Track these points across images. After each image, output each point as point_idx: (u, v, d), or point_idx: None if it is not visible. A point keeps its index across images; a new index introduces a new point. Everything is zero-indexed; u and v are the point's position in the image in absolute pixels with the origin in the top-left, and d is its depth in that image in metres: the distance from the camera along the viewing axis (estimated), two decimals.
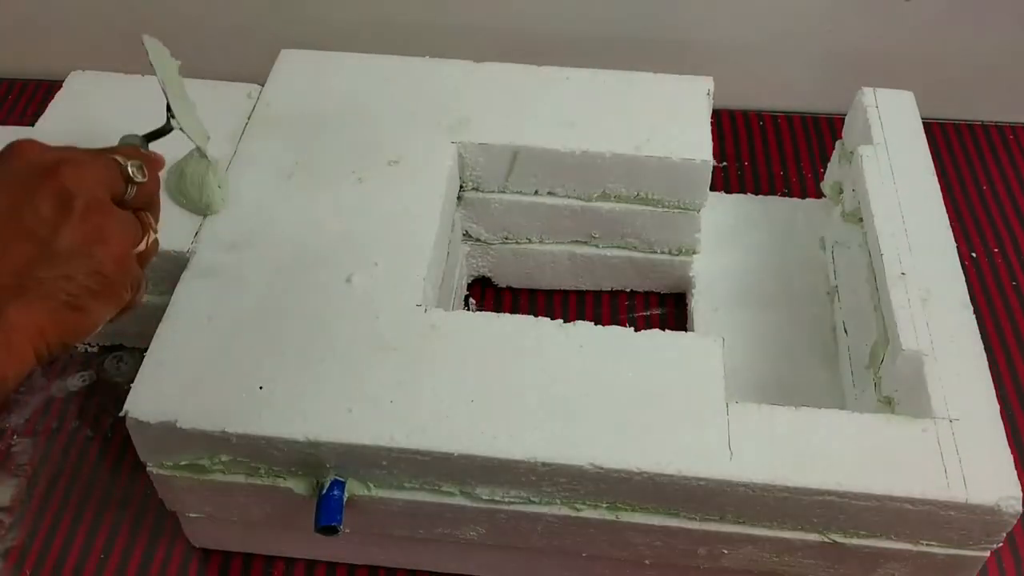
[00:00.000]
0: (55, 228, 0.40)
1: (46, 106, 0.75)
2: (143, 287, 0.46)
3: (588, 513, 0.58)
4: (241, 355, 0.59)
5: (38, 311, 0.39)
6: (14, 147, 0.43)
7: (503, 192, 0.75)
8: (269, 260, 0.64)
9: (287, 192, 0.69)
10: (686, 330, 0.73)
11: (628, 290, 0.83)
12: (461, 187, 0.74)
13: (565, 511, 0.58)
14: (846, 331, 0.72)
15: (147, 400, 0.57)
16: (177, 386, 0.57)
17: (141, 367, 0.58)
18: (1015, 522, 0.54)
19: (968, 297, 0.63)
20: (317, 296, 0.62)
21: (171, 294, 0.62)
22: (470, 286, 0.83)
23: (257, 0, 0.97)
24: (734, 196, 0.86)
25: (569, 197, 0.74)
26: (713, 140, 0.72)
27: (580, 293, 0.83)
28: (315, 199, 0.68)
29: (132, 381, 0.58)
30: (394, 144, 0.72)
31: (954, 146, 0.98)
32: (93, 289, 0.42)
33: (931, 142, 0.73)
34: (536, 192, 0.74)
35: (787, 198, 0.88)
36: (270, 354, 0.59)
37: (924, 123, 0.74)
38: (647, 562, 0.61)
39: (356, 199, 0.68)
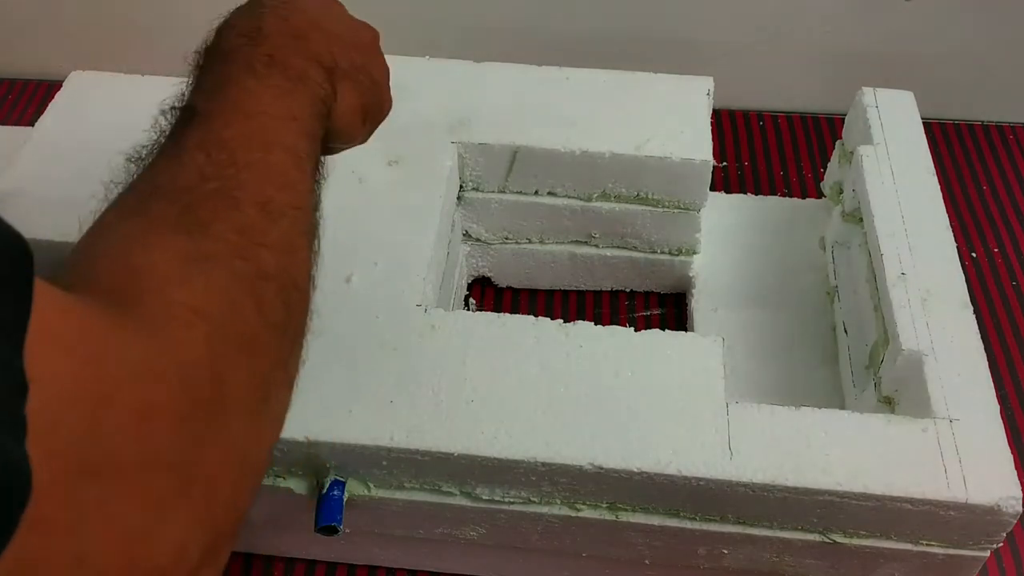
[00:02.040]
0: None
1: (46, 106, 0.75)
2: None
3: (588, 513, 0.58)
4: None
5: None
6: None
7: (503, 192, 0.75)
8: None
9: None
10: (686, 330, 0.73)
11: (628, 290, 0.83)
12: (461, 187, 0.74)
13: (565, 511, 0.58)
14: (846, 331, 0.72)
15: None
16: None
17: None
18: (1015, 522, 0.54)
19: (968, 297, 0.63)
20: (317, 296, 0.62)
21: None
22: (470, 286, 0.83)
23: None
24: (734, 196, 0.86)
25: (569, 197, 0.74)
26: (713, 140, 0.72)
27: (580, 293, 0.83)
28: None
29: None
30: (394, 144, 0.71)
31: (954, 146, 0.98)
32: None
33: (931, 142, 0.73)
34: (536, 192, 0.74)
35: (787, 198, 0.88)
36: None
37: (924, 123, 0.74)
38: (647, 562, 0.61)
39: (356, 199, 0.68)
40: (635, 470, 0.54)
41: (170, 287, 0.33)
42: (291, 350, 0.39)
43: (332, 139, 0.48)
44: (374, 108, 0.51)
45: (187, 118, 0.40)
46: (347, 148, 0.51)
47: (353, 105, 0.48)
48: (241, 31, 0.44)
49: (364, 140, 0.52)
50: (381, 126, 0.73)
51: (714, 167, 0.72)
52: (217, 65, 0.43)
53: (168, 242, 0.35)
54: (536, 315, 0.62)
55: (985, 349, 0.60)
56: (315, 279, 0.42)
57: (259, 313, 0.36)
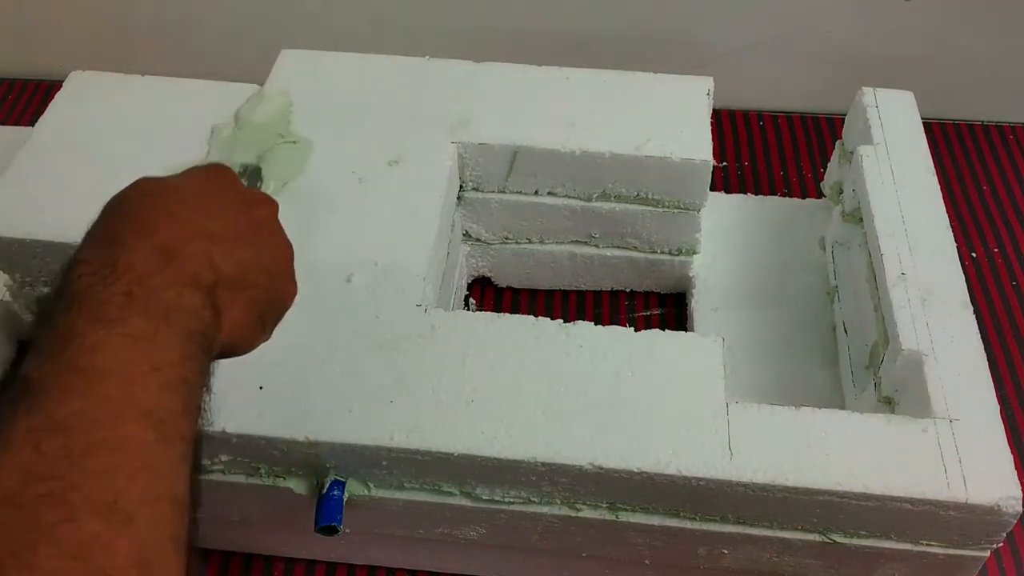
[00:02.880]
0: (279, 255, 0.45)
1: (46, 106, 0.75)
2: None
3: (588, 513, 0.58)
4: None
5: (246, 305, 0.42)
6: (220, 167, 0.46)
7: (503, 192, 0.75)
8: None
9: (287, 192, 0.68)
10: (686, 330, 0.73)
11: (628, 290, 0.83)
12: (461, 187, 0.74)
13: (565, 511, 0.58)
14: (846, 331, 0.72)
15: None
16: None
17: None
18: (1015, 522, 0.54)
19: (968, 297, 0.63)
20: (317, 296, 0.62)
21: None
22: (470, 286, 0.83)
23: (257, 0, 0.97)
24: (734, 196, 0.86)
25: (569, 197, 0.74)
26: (713, 140, 0.72)
27: (580, 293, 0.83)
28: (315, 199, 0.68)
29: None
30: (394, 144, 0.72)
31: (954, 146, 0.98)
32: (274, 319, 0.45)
33: (931, 142, 0.73)
34: (536, 192, 0.74)
35: (787, 198, 0.88)
36: (270, 354, 0.59)
37: (924, 123, 0.74)
38: (647, 562, 0.61)
39: (356, 199, 0.68)
40: (635, 470, 0.54)
41: None
42: None
43: (227, 354, 0.41)
44: (274, 307, 0.44)
45: (18, 395, 0.32)
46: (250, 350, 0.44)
47: (245, 318, 0.41)
48: (92, 267, 0.36)
49: (267, 338, 0.45)
50: (382, 125, 0.73)
51: (714, 167, 0.72)
52: (60, 317, 0.34)
53: None
54: (536, 315, 0.62)
55: (985, 349, 0.60)
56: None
57: None
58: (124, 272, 0.36)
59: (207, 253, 0.39)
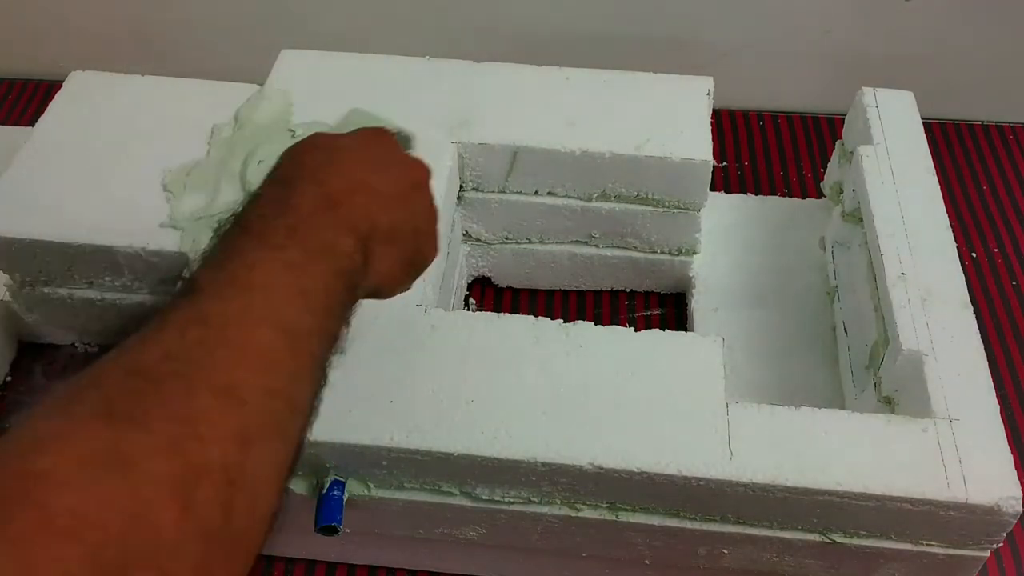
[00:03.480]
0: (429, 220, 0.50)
1: (46, 106, 0.74)
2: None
3: (588, 513, 0.58)
4: None
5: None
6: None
7: (503, 192, 0.75)
8: None
9: None
10: (686, 330, 0.73)
11: (628, 290, 0.83)
12: (461, 187, 0.74)
13: (565, 511, 0.58)
14: (846, 331, 0.72)
15: None
16: None
17: None
18: (1015, 522, 0.54)
19: (968, 297, 0.63)
20: None
21: (172, 295, 0.62)
22: (470, 286, 0.83)
23: (257, 0, 0.97)
24: (734, 196, 0.86)
25: (569, 197, 0.74)
26: (713, 140, 0.72)
27: (580, 293, 0.83)
28: None
29: None
30: None
31: (954, 146, 0.98)
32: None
33: (931, 142, 0.73)
34: (536, 192, 0.74)
35: (787, 198, 0.88)
36: None
37: (924, 123, 0.74)
38: (647, 562, 0.61)
39: None
40: (635, 470, 0.54)
41: (60, 494, 0.28)
42: (224, 563, 0.32)
43: (373, 296, 0.47)
44: (417, 263, 0.49)
45: (184, 292, 0.38)
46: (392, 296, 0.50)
47: (391, 269, 0.46)
48: (267, 201, 0.42)
49: (408, 288, 0.50)
50: (382, 125, 0.73)
51: (714, 167, 0.72)
52: (234, 236, 0.40)
53: (81, 441, 0.30)
54: (536, 315, 0.62)
55: (985, 349, 0.60)
56: (293, 472, 0.37)
57: (183, 516, 0.30)
58: (292, 210, 0.41)
59: (367, 207, 0.44)
